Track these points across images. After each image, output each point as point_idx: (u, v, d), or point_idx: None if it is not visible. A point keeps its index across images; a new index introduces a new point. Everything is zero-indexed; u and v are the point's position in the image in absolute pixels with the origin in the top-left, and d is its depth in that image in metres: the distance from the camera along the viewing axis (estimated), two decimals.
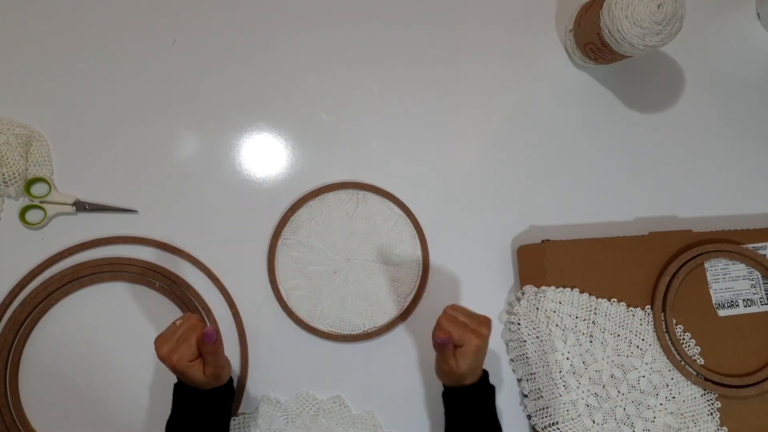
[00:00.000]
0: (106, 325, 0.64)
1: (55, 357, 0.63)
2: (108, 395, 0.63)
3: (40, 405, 0.62)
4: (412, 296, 0.66)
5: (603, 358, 0.61)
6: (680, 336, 0.62)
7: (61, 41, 0.68)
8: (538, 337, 0.62)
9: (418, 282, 0.66)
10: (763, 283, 0.64)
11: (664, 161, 0.72)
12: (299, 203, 0.67)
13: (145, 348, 0.64)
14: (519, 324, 0.64)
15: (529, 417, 0.64)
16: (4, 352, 0.62)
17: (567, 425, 0.60)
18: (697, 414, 0.61)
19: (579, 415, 0.61)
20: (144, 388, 0.63)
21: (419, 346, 0.66)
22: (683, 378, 0.62)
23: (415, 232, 0.67)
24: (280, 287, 0.65)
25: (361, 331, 0.65)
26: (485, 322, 0.55)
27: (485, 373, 0.58)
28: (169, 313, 0.64)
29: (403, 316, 0.66)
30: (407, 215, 0.67)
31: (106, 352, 0.64)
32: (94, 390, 0.63)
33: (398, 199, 0.67)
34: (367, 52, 0.71)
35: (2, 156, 0.62)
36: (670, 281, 0.62)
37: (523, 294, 0.64)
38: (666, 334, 0.62)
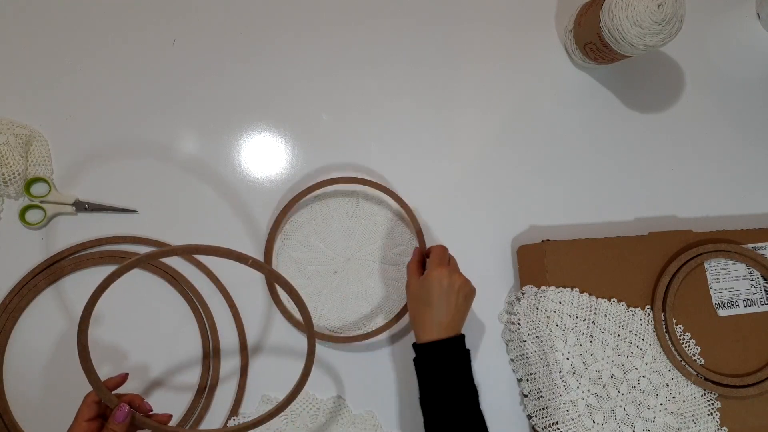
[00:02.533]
0: (103, 312, 0.64)
1: (44, 348, 0.63)
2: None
3: (29, 404, 0.62)
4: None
5: (603, 358, 0.61)
6: (680, 336, 0.62)
7: (61, 41, 0.68)
8: (538, 337, 0.62)
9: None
10: (763, 283, 0.64)
11: (664, 161, 0.72)
12: (298, 198, 0.67)
13: (144, 338, 0.64)
14: (519, 324, 0.64)
15: (529, 417, 0.64)
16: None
17: (567, 425, 0.60)
18: (697, 414, 0.61)
19: (579, 415, 0.60)
20: (144, 382, 0.63)
21: None
22: (683, 378, 0.62)
23: (415, 231, 0.67)
24: (281, 287, 0.65)
25: (362, 333, 0.65)
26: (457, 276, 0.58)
27: (461, 335, 0.58)
28: (170, 299, 0.64)
29: (400, 315, 0.66)
30: (407, 214, 0.67)
31: (103, 342, 0.64)
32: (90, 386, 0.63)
33: (398, 197, 0.67)
34: (367, 52, 0.71)
35: (2, 156, 0.62)
36: (670, 281, 0.62)
37: (523, 294, 0.64)
38: (666, 334, 0.62)
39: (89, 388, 0.64)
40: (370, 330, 0.65)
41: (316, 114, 0.69)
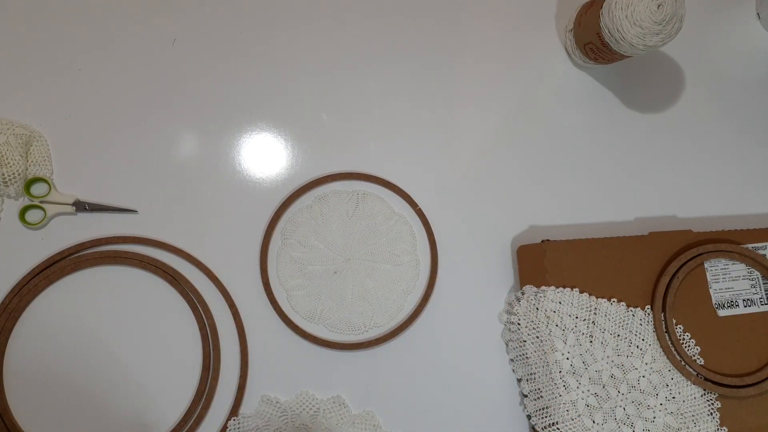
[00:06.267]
0: (103, 312, 0.64)
1: (45, 348, 0.63)
2: (107, 392, 0.63)
3: (29, 405, 0.62)
4: (419, 299, 0.66)
5: (603, 358, 0.61)
6: (680, 336, 0.62)
7: (60, 41, 0.68)
8: (538, 337, 0.62)
9: (426, 284, 0.66)
10: (763, 283, 0.64)
11: (664, 161, 0.72)
12: (296, 195, 0.67)
13: (144, 338, 0.64)
14: (519, 324, 0.64)
15: (529, 417, 0.64)
16: None
17: (567, 425, 0.60)
18: (697, 414, 0.61)
19: (579, 415, 0.61)
20: (144, 382, 0.63)
21: (420, 347, 0.66)
22: (683, 378, 0.62)
23: (414, 230, 0.67)
24: (281, 287, 0.66)
25: (361, 332, 0.65)
26: None
27: None
28: (170, 299, 0.64)
29: (411, 320, 0.66)
30: (418, 214, 0.67)
31: (104, 343, 0.64)
32: (91, 386, 0.63)
33: (408, 195, 0.68)
34: (367, 52, 0.71)
35: (2, 156, 0.62)
36: (670, 281, 0.62)
37: (523, 294, 0.64)
38: (666, 334, 0.62)
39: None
40: (370, 331, 0.65)
41: (316, 114, 0.69)
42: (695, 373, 0.61)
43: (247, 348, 0.64)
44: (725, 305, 0.63)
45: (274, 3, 0.71)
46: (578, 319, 0.62)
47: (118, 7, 0.69)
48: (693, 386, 0.62)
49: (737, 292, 0.64)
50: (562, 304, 0.62)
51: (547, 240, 0.64)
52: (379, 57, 0.71)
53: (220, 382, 0.64)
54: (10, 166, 0.63)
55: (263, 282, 0.65)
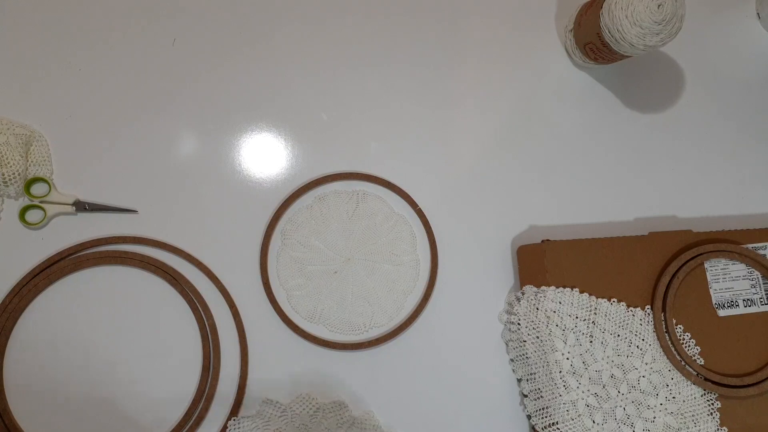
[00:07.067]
0: (103, 312, 0.64)
1: (45, 348, 0.63)
2: (107, 392, 0.63)
3: (29, 405, 0.62)
4: (419, 299, 0.66)
5: (603, 358, 0.61)
6: (680, 336, 0.62)
7: (60, 41, 0.68)
8: (538, 337, 0.62)
9: (426, 284, 0.66)
10: (763, 283, 0.64)
11: (664, 161, 0.72)
12: (296, 195, 0.67)
13: (144, 338, 0.64)
14: (519, 324, 0.64)
15: (529, 417, 0.64)
16: None
17: (567, 425, 0.60)
18: (697, 414, 0.61)
19: (579, 415, 0.61)
20: (144, 382, 0.63)
21: (420, 347, 0.66)
22: (683, 378, 0.62)
23: (414, 230, 0.67)
24: (281, 287, 0.66)
25: (362, 332, 0.65)
26: None
27: None
28: (170, 299, 0.64)
29: (410, 320, 0.66)
30: (418, 214, 0.67)
31: (104, 343, 0.64)
32: (91, 386, 0.63)
33: (408, 195, 0.68)
34: (368, 52, 0.71)
35: (2, 156, 0.62)
36: (670, 281, 0.62)
37: (523, 294, 0.64)
38: (666, 334, 0.62)
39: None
40: (370, 336, 0.65)
41: (316, 114, 0.69)
42: (695, 373, 0.61)
43: (247, 348, 0.64)
44: (725, 305, 0.63)
45: (274, 3, 0.71)
46: (578, 319, 0.62)
47: (118, 7, 0.69)
48: (693, 386, 0.62)
49: (737, 292, 0.64)
50: (562, 304, 0.62)
51: (547, 240, 0.64)
52: (379, 57, 0.71)
53: (220, 382, 0.64)
54: (10, 166, 0.63)
55: (263, 282, 0.65)
